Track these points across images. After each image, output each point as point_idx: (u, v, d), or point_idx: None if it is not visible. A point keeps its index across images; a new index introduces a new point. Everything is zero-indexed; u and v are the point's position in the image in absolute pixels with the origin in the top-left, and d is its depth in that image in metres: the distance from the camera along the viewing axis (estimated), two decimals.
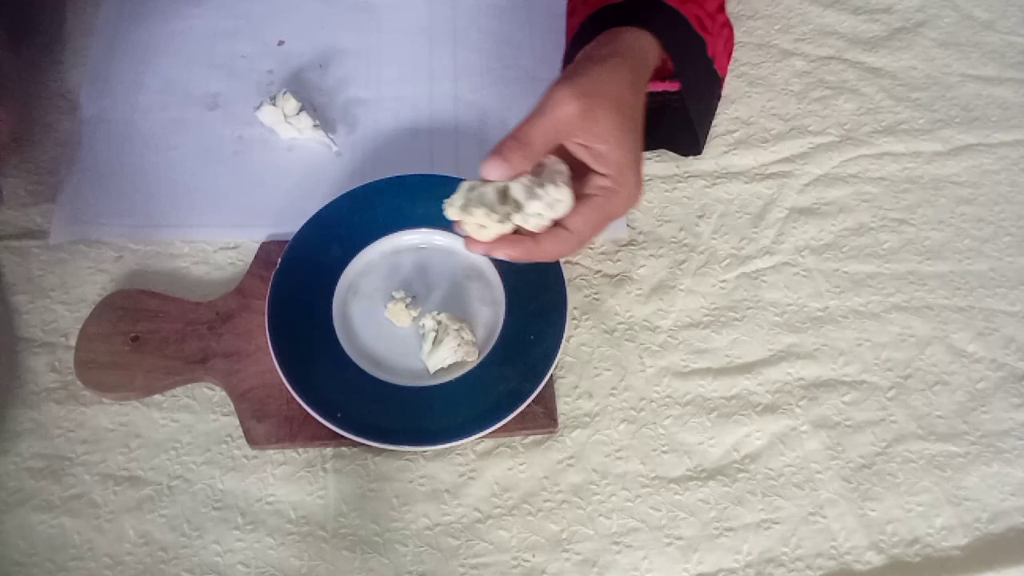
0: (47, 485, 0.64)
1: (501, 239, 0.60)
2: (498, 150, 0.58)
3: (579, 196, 0.60)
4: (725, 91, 0.80)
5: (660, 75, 0.71)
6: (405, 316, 0.69)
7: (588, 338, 0.71)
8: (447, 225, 0.71)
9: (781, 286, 0.74)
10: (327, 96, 0.82)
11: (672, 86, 0.72)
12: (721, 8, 0.72)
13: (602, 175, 0.60)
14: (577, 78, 0.60)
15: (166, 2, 0.86)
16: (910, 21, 0.90)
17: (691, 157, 0.79)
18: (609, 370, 0.70)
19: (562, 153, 0.61)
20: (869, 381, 0.70)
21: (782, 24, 0.89)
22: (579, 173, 0.61)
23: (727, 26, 0.73)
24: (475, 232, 0.60)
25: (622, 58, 0.63)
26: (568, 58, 0.70)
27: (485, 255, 0.62)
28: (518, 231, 0.60)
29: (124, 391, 0.67)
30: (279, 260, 0.70)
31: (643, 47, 0.65)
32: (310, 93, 0.81)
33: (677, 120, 0.75)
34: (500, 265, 0.71)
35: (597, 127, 0.59)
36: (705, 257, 0.75)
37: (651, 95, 0.73)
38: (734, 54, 0.86)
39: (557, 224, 0.60)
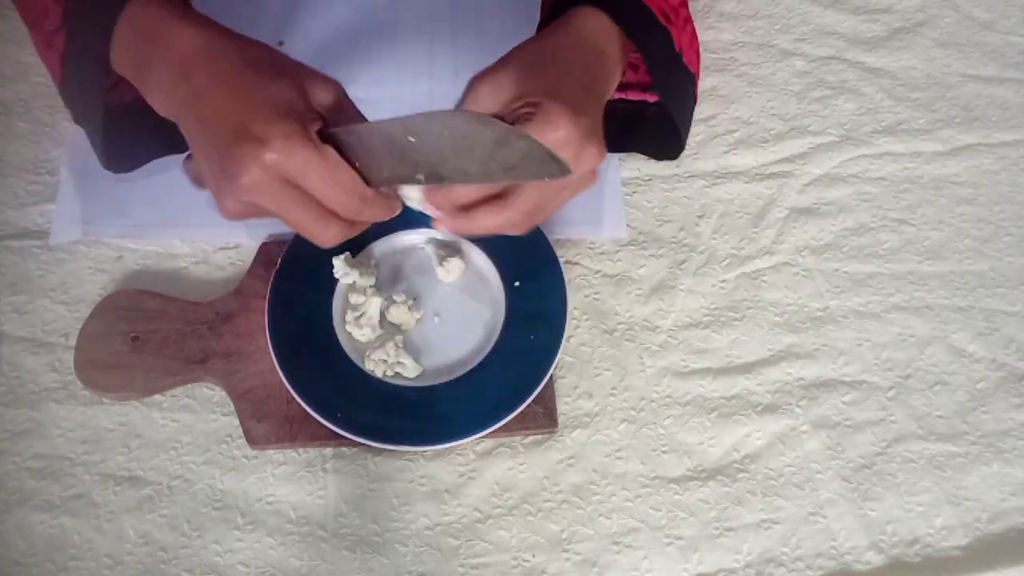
0: (47, 485, 0.64)
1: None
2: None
3: None
4: (725, 91, 0.80)
5: (639, 85, 0.72)
6: (407, 318, 0.69)
7: (588, 338, 0.71)
8: None
9: (781, 286, 0.74)
10: None
11: (651, 96, 0.73)
12: (684, 3, 0.71)
13: (525, 114, 0.57)
14: (488, 69, 0.59)
15: None
16: (910, 21, 0.90)
17: (684, 157, 0.79)
18: (609, 370, 0.70)
19: None
20: (869, 381, 0.70)
21: (782, 24, 0.89)
22: None
23: (690, 21, 0.72)
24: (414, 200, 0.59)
25: (560, 25, 0.62)
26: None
27: (454, 223, 0.58)
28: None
29: (124, 391, 0.67)
30: (279, 260, 0.70)
31: (593, 23, 0.63)
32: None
33: (648, 126, 0.75)
34: (500, 265, 0.72)
35: (505, 73, 0.58)
36: (705, 257, 0.75)
37: (624, 102, 0.74)
38: (734, 54, 0.87)
39: None
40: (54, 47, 0.63)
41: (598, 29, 0.63)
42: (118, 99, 0.69)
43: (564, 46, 0.61)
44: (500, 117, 0.56)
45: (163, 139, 0.73)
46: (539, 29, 0.70)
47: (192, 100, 0.56)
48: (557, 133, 0.55)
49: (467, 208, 0.58)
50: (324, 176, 0.54)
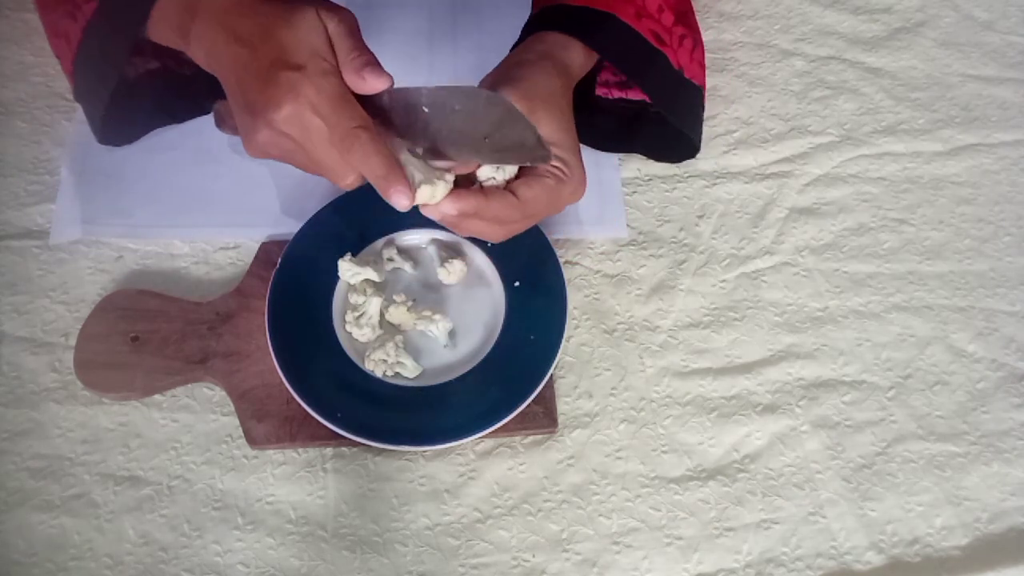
0: (47, 485, 0.64)
1: (451, 194, 0.60)
2: None
3: (530, 176, 0.62)
4: (725, 91, 0.80)
5: (621, 84, 0.74)
6: (407, 318, 0.69)
7: (588, 338, 0.71)
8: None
9: (781, 286, 0.74)
10: None
11: (635, 94, 0.75)
12: (678, 22, 0.73)
13: (552, 164, 0.62)
14: (515, 81, 0.62)
15: None
16: (910, 21, 0.90)
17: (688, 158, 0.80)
18: (609, 370, 0.70)
19: None
20: (869, 381, 0.70)
21: (782, 24, 0.89)
22: (524, 171, 0.63)
23: (688, 37, 0.74)
24: (426, 198, 0.60)
25: (551, 62, 0.65)
26: (517, 43, 0.72)
27: (439, 218, 0.61)
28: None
29: (124, 391, 0.67)
30: (279, 260, 0.70)
31: (570, 54, 0.67)
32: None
33: (654, 130, 0.76)
34: (500, 265, 0.72)
35: (540, 128, 0.61)
36: (705, 257, 0.75)
37: (626, 102, 0.74)
38: (734, 54, 0.87)
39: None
40: (79, 18, 0.66)
41: (571, 60, 0.67)
42: (123, 74, 0.71)
43: (561, 88, 0.65)
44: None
45: (161, 112, 0.78)
46: (527, 28, 0.71)
47: (234, 45, 0.59)
48: (578, 193, 0.63)
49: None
50: (343, 108, 0.58)
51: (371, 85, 0.58)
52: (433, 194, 0.59)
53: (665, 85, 0.72)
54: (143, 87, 0.74)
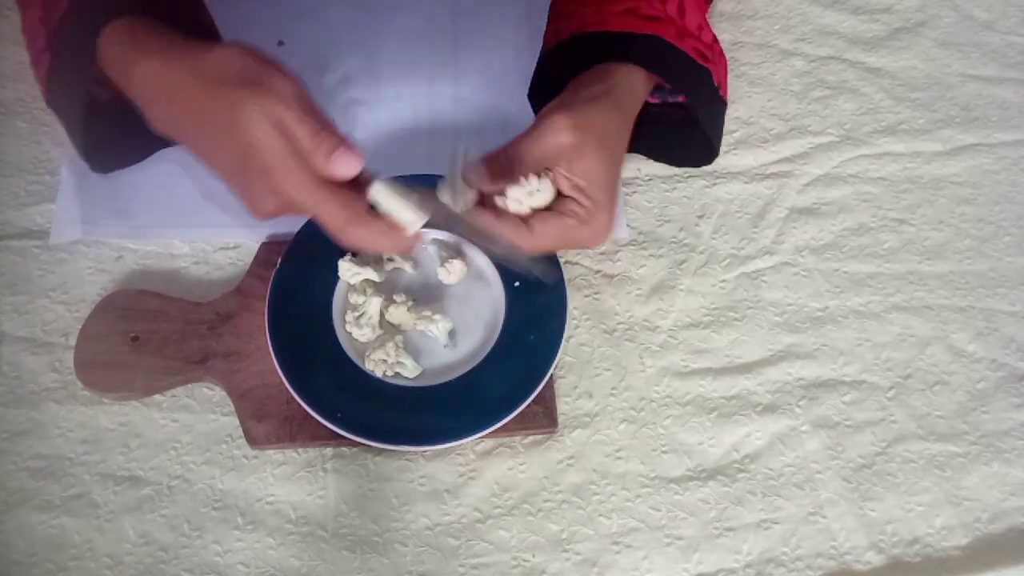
0: (47, 485, 0.64)
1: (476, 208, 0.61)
2: (488, 161, 0.61)
3: (552, 210, 0.62)
4: None
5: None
6: (407, 318, 0.69)
7: (588, 338, 0.71)
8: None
9: (781, 286, 0.74)
10: (327, 96, 0.81)
11: (651, 98, 0.74)
12: (715, 39, 0.74)
13: (578, 203, 0.62)
14: (574, 111, 0.62)
15: None
16: (910, 21, 0.90)
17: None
18: (609, 370, 0.70)
19: None
20: (869, 381, 0.70)
21: (782, 24, 0.89)
22: (553, 204, 0.63)
23: (723, 54, 0.75)
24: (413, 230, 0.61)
25: (613, 99, 0.65)
26: (542, 62, 0.73)
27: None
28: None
29: (124, 391, 0.67)
30: (279, 260, 0.70)
31: (634, 86, 0.67)
32: (310, 93, 0.81)
33: (654, 130, 0.76)
34: (501, 265, 0.72)
35: (582, 163, 0.61)
36: (705, 257, 0.75)
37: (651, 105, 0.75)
38: (734, 54, 0.87)
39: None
40: (40, 66, 0.66)
41: (636, 94, 0.67)
42: (108, 96, 0.69)
43: (618, 129, 0.65)
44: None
45: (151, 139, 0.75)
46: (556, 43, 0.71)
47: (193, 145, 0.60)
48: (599, 238, 0.64)
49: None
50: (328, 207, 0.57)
51: (341, 172, 0.56)
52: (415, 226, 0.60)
53: (710, 99, 0.73)
54: (125, 112, 0.72)
